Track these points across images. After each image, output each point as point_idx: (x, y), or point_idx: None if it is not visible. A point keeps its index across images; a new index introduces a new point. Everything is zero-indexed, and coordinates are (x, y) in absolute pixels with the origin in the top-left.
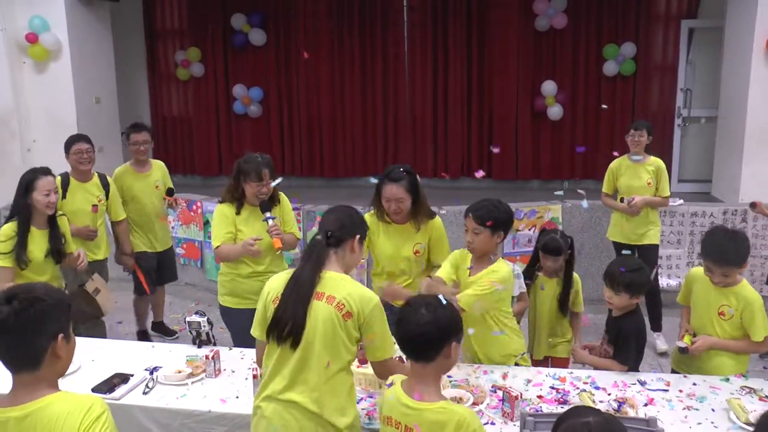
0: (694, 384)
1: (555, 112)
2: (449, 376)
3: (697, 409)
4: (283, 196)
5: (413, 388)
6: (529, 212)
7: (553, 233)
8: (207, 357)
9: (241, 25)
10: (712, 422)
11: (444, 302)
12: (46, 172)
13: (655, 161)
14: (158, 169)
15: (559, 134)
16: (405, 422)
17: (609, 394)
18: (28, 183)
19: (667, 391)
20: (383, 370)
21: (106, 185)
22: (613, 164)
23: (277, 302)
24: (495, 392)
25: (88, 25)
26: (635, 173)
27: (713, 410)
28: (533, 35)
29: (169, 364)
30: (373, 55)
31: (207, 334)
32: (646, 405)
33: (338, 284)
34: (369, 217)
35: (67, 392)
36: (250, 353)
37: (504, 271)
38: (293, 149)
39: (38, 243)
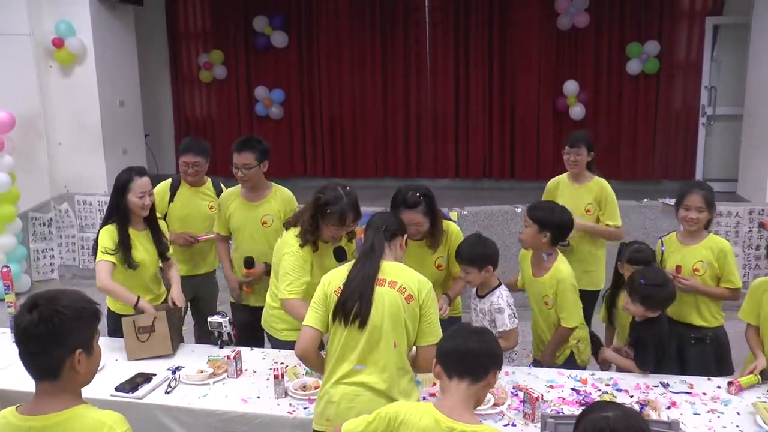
0: (719, 387)
1: (577, 111)
2: None
3: (721, 413)
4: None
5: (453, 409)
6: None
7: (638, 243)
8: (228, 357)
9: (263, 27)
10: (737, 426)
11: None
12: (141, 172)
13: (599, 183)
14: (276, 200)
15: None
16: None
17: (631, 396)
18: (124, 184)
19: (690, 393)
20: (430, 355)
21: (219, 193)
22: (550, 183)
23: (340, 291)
24: (516, 393)
25: (112, 29)
26: (573, 196)
27: (738, 414)
28: (555, 34)
29: (191, 364)
30: (395, 55)
31: (228, 334)
32: (668, 408)
33: (397, 271)
34: None
35: (88, 407)
36: (272, 354)
37: (567, 272)
38: (315, 150)
39: (141, 244)
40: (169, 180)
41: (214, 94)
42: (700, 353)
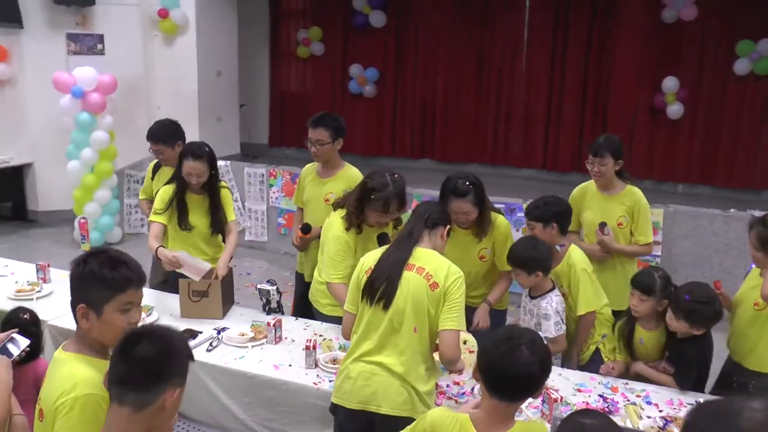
0: None
1: (675, 110)
2: None
3: None
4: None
5: (491, 426)
6: None
7: (653, 269)
8: (269, 324)
9: (363, 6)
10: None
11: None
12: (197, 155)
13: (631, 193)
14: (342, 179)
15: (677, 134)
16: None
17: (660, 411)
18: (182, 156)
19: None
20: (451, 340)
21: None
22: (576, 191)
23: (371, 271)
24: None
25: (215, 2)
26: (604, 209)
27: None
28: (659, 27)
29: (235, 327)
30: (492, 40)
31: (277, 302)
32: None
33: (428, 258)
34: None
35: (79, 358)
36: (314, 324)
37: (579, 257)
38: (404, 130)
39: (193, 209)
40: (155, 160)
41: (310, 69)
42: None
